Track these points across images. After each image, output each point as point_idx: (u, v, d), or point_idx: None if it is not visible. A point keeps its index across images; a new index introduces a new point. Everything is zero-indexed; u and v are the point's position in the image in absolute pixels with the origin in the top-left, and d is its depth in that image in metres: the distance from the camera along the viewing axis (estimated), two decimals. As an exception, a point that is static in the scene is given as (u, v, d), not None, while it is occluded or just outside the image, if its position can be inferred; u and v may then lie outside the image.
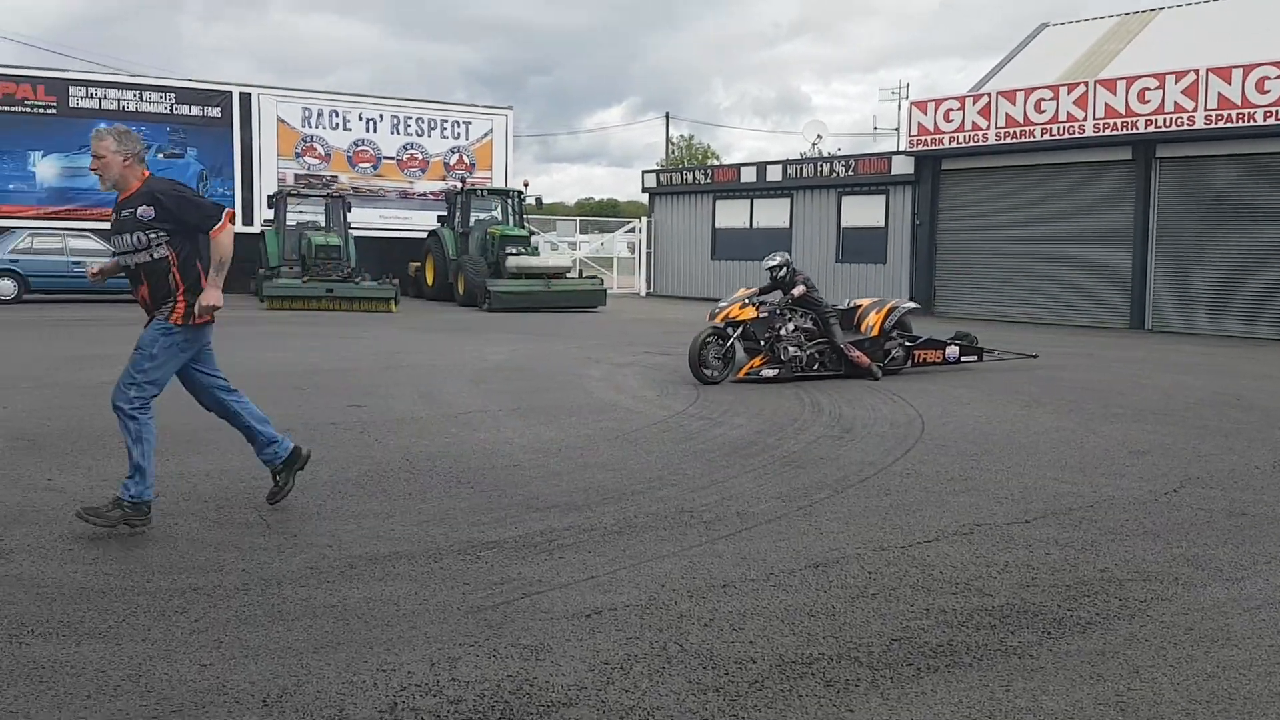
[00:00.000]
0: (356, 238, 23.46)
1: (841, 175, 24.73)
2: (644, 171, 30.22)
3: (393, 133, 27.40)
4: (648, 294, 29.47)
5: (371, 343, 14.34)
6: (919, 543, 5.09)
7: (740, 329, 10.85)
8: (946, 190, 22.98)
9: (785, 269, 11.34)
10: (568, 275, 23.32)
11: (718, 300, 12.02)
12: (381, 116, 27.26)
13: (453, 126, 28.15)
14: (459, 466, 6.56)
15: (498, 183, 27.84)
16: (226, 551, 4.69)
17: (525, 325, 18.12)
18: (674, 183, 29.29)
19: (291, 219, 22.84)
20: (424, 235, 25.29)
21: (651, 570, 4.59)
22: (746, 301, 10.99)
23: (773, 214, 26.38)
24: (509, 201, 25.15)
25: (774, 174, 26.37)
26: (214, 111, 25.16)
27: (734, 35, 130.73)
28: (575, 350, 13.96)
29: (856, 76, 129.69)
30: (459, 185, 25.31)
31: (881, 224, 24.06)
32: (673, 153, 57.13)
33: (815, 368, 11.10)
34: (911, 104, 23.62)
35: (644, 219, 30.10)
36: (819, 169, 25.36)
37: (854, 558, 4.83)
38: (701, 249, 28.06)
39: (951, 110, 21.90)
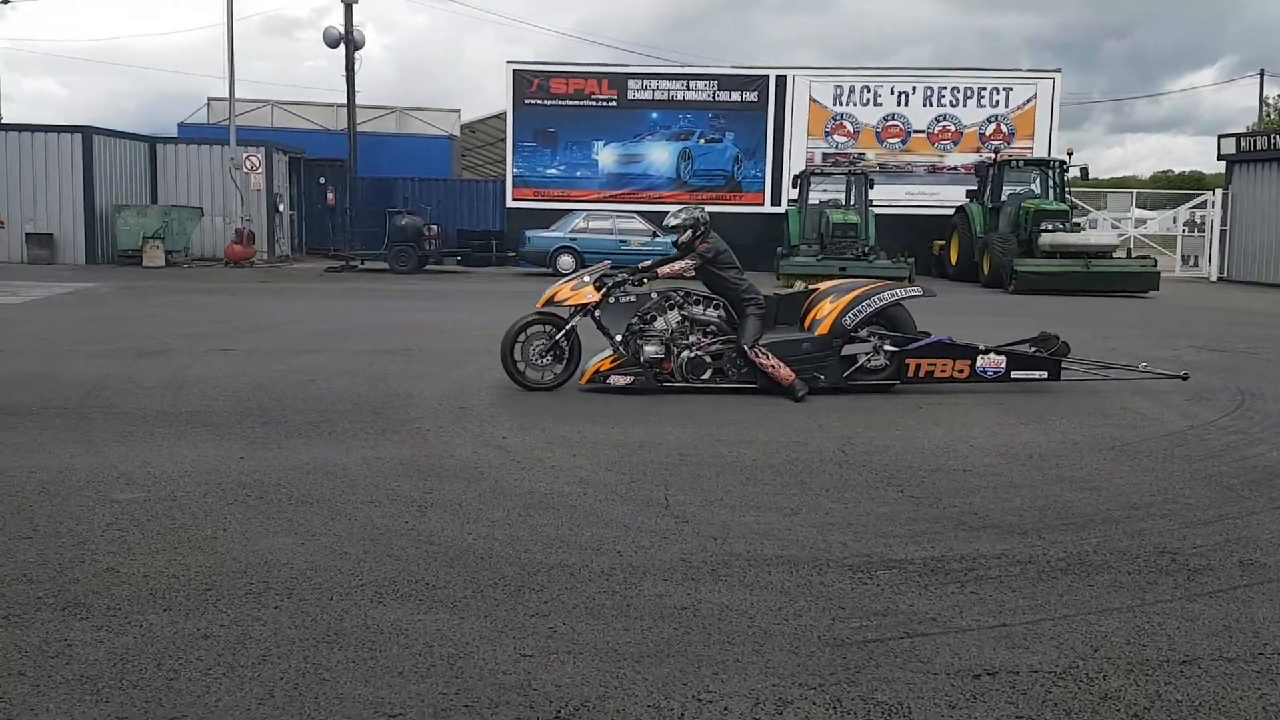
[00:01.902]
0: (881, 215, 22.97)
1: None
2: (1220, 137, 25.77)
3: (925, 105, 26.35)
4: (1219, 279, 25.19)
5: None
6: None
7: (581, 315, 7.91)
8: None
9: (690, 231, 7.99)
10: (1113, 255, 20.64)
11: None
12: (914, 89, 26.34)
13: (990, 94, 26.33)
14: (897, 464, 5.80)
15: (1039, 153, 25.52)
16: (613, 529, 4.50)
17: (1051, 309, 16.30)
18: (1259, 148, 24.59)
19: (814, 198, 22.96)
20: (951, 211, 24.05)
21: (1088, 626, 3.53)
22: (586, 279, 7.95)
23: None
24: (1049, 173, 22.91)
25: (1404, 131, 20.91)
26: (751, 96, 26.15)
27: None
28: (1099, 339, 12.13)
29: None
30: (992, 157, 23.61)
31: None
32: (1268, 116, 48.33)
33: (706, 375, 7.86)
34: None
35: (1218, 191, 25.75)
36: None
37: None
38: (1293, 226, 23.28)
39: None
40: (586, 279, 7.97)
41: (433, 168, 30.00)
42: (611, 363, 7.93)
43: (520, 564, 4.04)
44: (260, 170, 25.10)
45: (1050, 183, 22.78)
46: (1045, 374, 8.26)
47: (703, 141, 26.12)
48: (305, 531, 4.37)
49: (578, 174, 26.14)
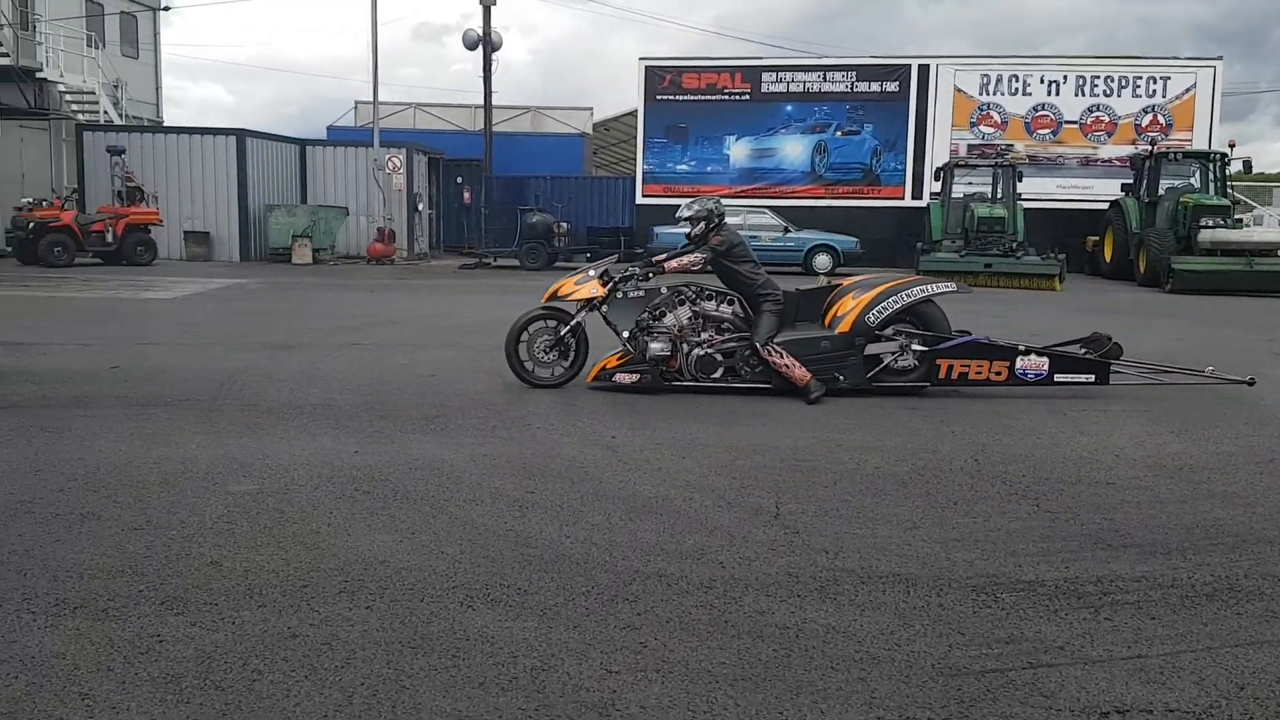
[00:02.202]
0: (1030, 209, 21.98)
1: None
2: None
3: (1077, 94, 25.04)
4: (1406, 277, 23.09)
5: (1014, 322, 13.11)
6: None
7: (587, 310, 7.72)
8: None
9: (703, 224, 7.62)
10: (1278, 253, 19.17)
11: None
12: (1065, 78, 25.07)
13: (1146, 84, 24.84)
14: (1034, 475, 5.41)
15: (1199, 145, 23.93)
16: (716, 538, 4.30)
17: (1208, 310, 15.23)
18: None
19: (959, 191, 22.12)
20: (1105, 206, 22.80)
21: (1234, 660, 3.16)
22: (592, 274, 7.72)
23: None
24: (1210, 167, 21.47)
25: None
26: (891, 86, 25.39)
27: None
28: (1263, 342, 11.24)
29: None
30: (1148, 149, 22.26)
31: None
32: None
33: (717, 374, 7.51)
34: None
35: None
36: None
37: None
38: None
39: None
40: (591, 273, 7.80)
41: (565, 165, 30.33)
42: (618, 360, 7.75)
43: (616, 571, 3.90)
44: (401, 171, 25.82)
45: (1211, 176, 21.40)
46: (1092, 377, 7.68)
47: (839, 134, 25.52)
48: (405, 529, 4.34)
49: (708, 169, 25.93)
